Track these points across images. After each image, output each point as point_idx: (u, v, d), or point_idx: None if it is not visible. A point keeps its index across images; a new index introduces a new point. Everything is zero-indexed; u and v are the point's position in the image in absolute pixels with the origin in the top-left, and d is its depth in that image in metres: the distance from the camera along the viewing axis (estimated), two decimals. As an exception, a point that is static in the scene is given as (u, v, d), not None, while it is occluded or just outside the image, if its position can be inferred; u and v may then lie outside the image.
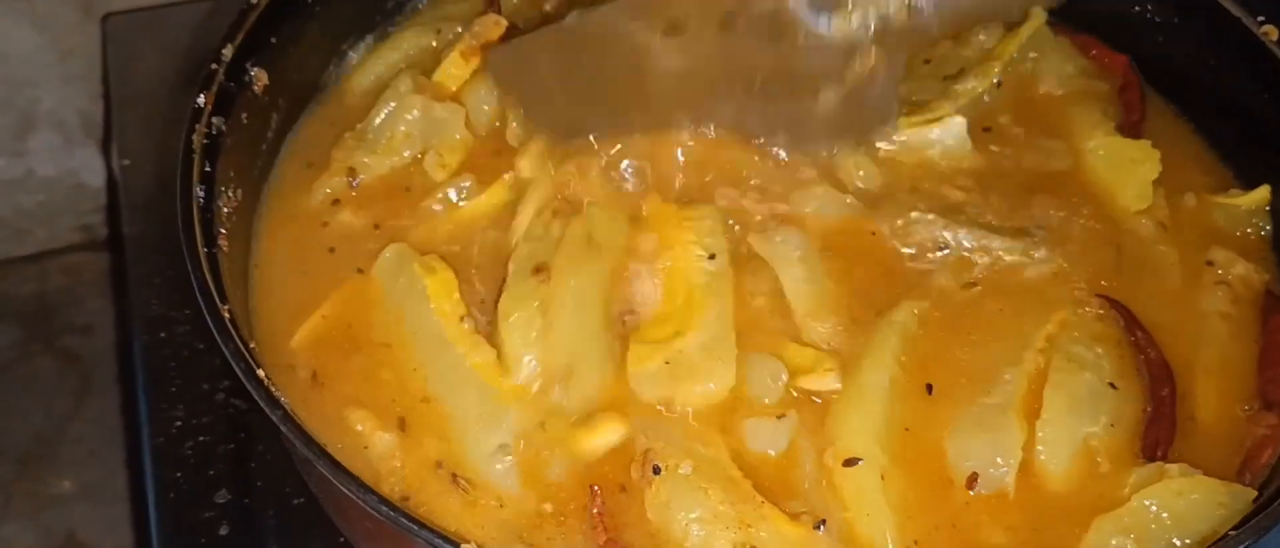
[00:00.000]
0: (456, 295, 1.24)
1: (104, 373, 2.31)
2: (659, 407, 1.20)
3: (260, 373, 1.03)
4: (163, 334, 1.50)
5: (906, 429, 1.20)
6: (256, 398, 1.00)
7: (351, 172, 1.37)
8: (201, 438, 1.41)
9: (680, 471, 1.13)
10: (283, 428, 0.99)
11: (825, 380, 1.22)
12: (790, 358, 1.24)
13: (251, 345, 1.09)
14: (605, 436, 1.17)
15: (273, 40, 1.35)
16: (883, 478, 1.15)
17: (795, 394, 1.21)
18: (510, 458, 1.15)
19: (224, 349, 1.04)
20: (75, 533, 2.16)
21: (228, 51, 1.28)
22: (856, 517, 1.14)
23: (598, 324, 1.24)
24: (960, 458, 1.18)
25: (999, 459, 1.16)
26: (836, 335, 1.26)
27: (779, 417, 1.20)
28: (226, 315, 1.07)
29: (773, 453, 1.19)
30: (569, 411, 1.18)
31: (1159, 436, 1.20)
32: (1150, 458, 1.19)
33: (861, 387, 1.21)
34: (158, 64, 1.87)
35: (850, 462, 1.16)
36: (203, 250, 1.12)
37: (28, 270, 2.47)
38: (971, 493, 1.16)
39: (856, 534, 1.13)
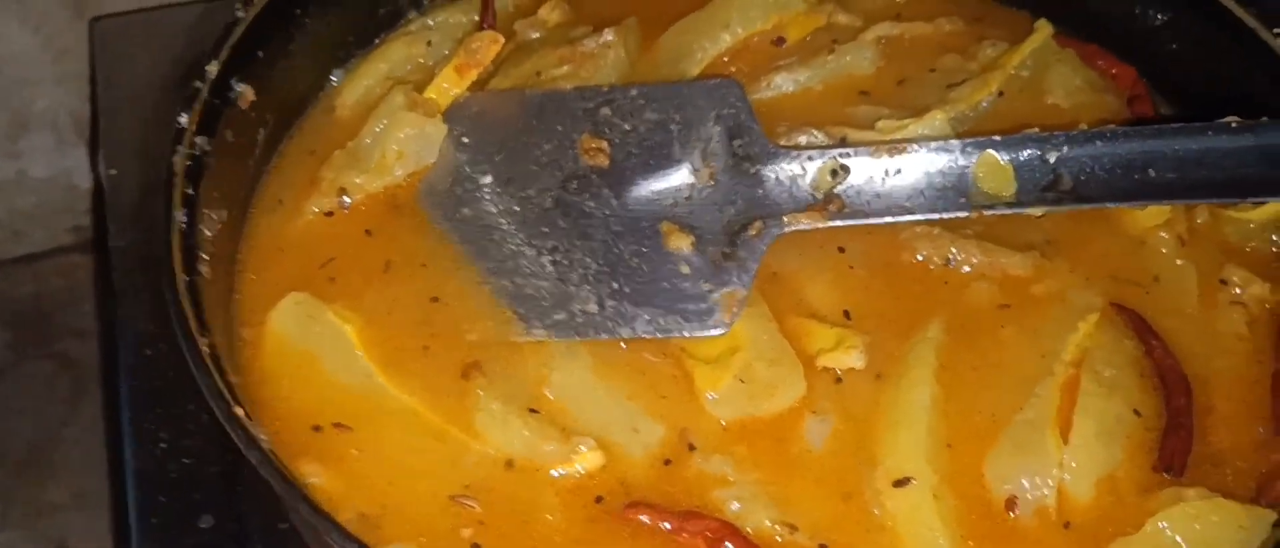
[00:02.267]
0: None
1: (99, 378, 2.28)
2: (722, 422, 1.19)
3: (238, 411, 1.00)
4: (148, 352, 1.47)
5: (949, 446, 1.18)
6: (235, 439, 0.97)
7: (342, 191, 1.34)
8: (186, 460, 1.38)
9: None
10: (261, 471, 0.96)
11: (848, 358, 1.22)
12: (813, 337, 1.24)
13: (232, 380, 1.06)
14: (587, 462, 1.15)
15: (260, 54, 1.32)
16: (935, 497, 1.13)
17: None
18: (474, 504, 1.12)
19: (202, 388, 1.01)
20: (67, 542, 2.14)
21: (213, 68, 1.25)
22: (908, 538, 1.12)
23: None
24: (999, 481, 1.16)
25: (1038, 481, 1.14)
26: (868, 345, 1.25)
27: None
28: (206, 349, 1.04)
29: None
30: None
31: (1176, 447, 1.18)
32: (1166, 469, 1.17)
33: (905, 406, 1.19)
34: (148, 69, 1.83)
35: (901, 482, 1.14)
36: (183, 279, 1.09)
37: (22, 272, 2.44)
38: (1012, 515, 1.14)
39: None
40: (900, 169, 1.28)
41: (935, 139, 1.32)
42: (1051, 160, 1.25)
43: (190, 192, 1.17)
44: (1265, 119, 1.23)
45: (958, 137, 1.38)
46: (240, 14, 1.29)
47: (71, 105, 2.23)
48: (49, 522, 2.16)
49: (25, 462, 2.22)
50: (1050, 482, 1.14)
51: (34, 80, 2.19)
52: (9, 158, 2.29)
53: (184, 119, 1.19)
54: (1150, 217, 1.34)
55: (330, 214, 1.34)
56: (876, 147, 1.29)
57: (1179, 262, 1.33)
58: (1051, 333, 1.25)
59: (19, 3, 2.08)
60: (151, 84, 1.80)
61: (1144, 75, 1.51)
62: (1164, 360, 1.23)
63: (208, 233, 1.19)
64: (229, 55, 1.26)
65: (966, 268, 1.31)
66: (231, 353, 1.20)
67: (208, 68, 1.24)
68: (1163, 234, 1.34)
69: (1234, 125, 1.23)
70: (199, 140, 1.20)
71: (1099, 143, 1.25)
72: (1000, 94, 1.46)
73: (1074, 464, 1.15)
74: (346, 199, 1.34)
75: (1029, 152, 1.26)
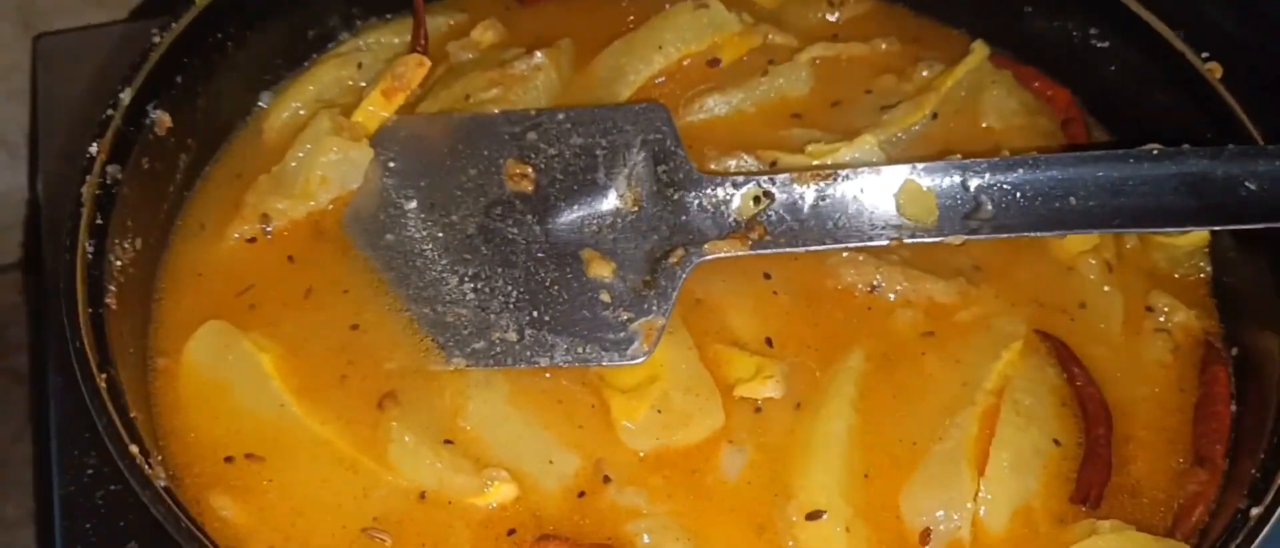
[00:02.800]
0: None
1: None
2: (639, 453, 1.19)
3: (133, 449, 0.99)
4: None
5: (866, 476, 1.17)
6: (128, 478, 0.96)
7: (265, 217, 1.33)
8: (113, 487, 1.36)
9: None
10: (153, 510, 0.95)
11: (765, 388, 1.21)
12: (733, 366, 1.23)
13: (134, 415, 1.05)
14: (499, 494, 1.14)
15: (178, 79, 1.31)
16: (847, 530, 1.13)
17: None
18: (386, 537, 1.11)
19: (98, 423, 1.00)
20: (20, 558, 2.13)
21: (126, 95, 1.23)
22: None
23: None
24: (913, 514, 1.15)
25: (953, 513, 1.14)
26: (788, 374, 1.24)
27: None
28: (103, 386, 1.03)
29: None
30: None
31: (1093, 477, 1.18)
32: (1082, 501, 1.16)
33: (821, 438, 1.18)
34: (90, 87, 1.81)
35: (813, 515, 1.13)
36: (86, 312, 1.08)
37: (-24, 287, 2.42)
38: None
39: None
40: (824, 196, 1.27)
41: (860, 165, 1.31)
42: (972, 187, 1.25)
43: (99, 222, 1.16)
44: (1186, 146, 1.22)
45: (889, 160, 1.38)
46: (156, 39, 1.28)
47: (22, 121, 2.22)
48: (2, 539, 2.15)
49: (-23, 478, 2.21)
50: (964, 514, 1.14)
51: (-19, 97, 2.17)
52: (-40, 174, 2.28)
53: (93, 148, 1.17)
54: (1078, 242, 1.34)
55: (252, 240, 1.33)
56: (799, 173, 1.28)
57: (1106, 288, 1.32)
58: (974, 361, 1.25)
59: (-38, 19, 2.07)
60: (92, 103, 1.77)
61: (1080, 98, 1.51)
62: (1085, 389, 1.23)
63: (118, 263, 1.18)
64: (144, 82, 1.25)
65: (892, 295, 1.31)
66: (143, 384, 1.19)
67: (121, 95, 1.22)
68: (1091, 260, 1.33)
69: (1155, 153, 1.23)
70: (110, 169, 1.19)
71: (1021, 170, 1.24)
72: (934, 116, 1.45)
73: (989, 496, 1.14)
74: (269, 225, 1.33)
75: (951, 178, 1.25)
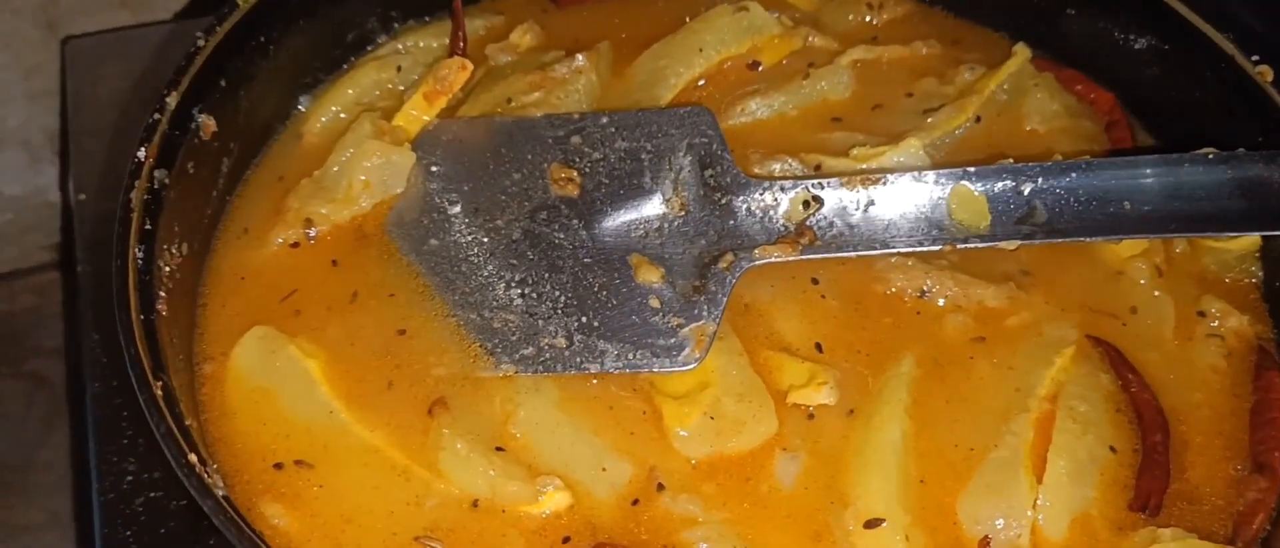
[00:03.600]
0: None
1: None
2: (692, 461, 1.17)
3: (192, 458, 0.98)
4: (115, 382, 1.44)
5: (922, 482, 1.16)
6: (188, 487, 0.95)
7: (308, 221, 1.32)
8: (154, 494, 1.34)
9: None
10: (215, 521, 0.94)
11: (819, 394, 1.20)
12: (784, 372, 1.22)
13: (188, 423, 1.04)
14: (553, 502, 1.13)
15: (222, 83, 1.29)
16: (906, 538, 1.12)
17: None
18: (439, 545, 1.10)
19: (156, 435, 0.99)
20: (40, 564, 2.12)
21: (173, 99, 1.22)
22: None
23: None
24: (971, 522, 1.14)
25: (1012, 521, 1.13)
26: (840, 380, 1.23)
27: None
28: (159, 393, 1.02)
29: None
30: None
31: (1152, 485, 1.16)
32: (1141, 509, 1.15)
33: (876, 445, 1.17)
34: (119, 90, 1.80)
35: (872, 523, 1.12)
36: (139, 318, 1.06)
37: (-4, 290, 2.41)
38: None
39: None
40: (873, 201, 1.26)
41: (909, 169, 1.30)
42: (1026, 192, 1.24)
43: (148, 227, 1.14)
44: (1241, 150, 1.21)
45: (934, 164, 1.37)
46: (201, 42, 1.27)
47: (44, 122, 2.21)
48: (21, 543, 2.14)
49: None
50: (1024, 522, 1.12)
51: (5, 98, 2.16)
52: (-19, 175, 2.26)
53: (142, 153, 1.16)
54: (1128, 247, 1.33)
55: (296, 245, 1.32)
56: (849, 178, 1.27)
57: (1156, 293, 1.31)
58: (1026, 367, 1.23)
59: (-14, 20, 2.05)
60: (122, 106, 1.77)
61: (1123, 100, 1.49)
62: (1141, 395, 1.22)
63: (166, 268, 1.17)
64: (189, 85, 1.24)
65: (941, 300, 1.29)
66: (192, 390, 1.18)
67: (167, 99, 1.21)
68: (1140, 264, 1.32)
69: (1210, 157, 1.22)
70: (158, 174, 1.18)
71: (1074, 174, 1.23)
72: (977, 119, 1.44)
73: (1047, 504, 1.13)
74: (312, 230, 1.32)
75: (1003, 183, 1.24)
